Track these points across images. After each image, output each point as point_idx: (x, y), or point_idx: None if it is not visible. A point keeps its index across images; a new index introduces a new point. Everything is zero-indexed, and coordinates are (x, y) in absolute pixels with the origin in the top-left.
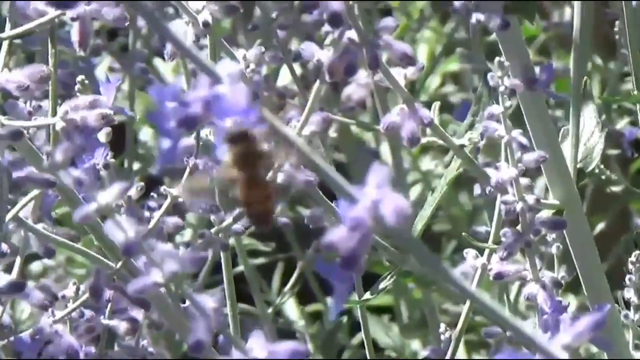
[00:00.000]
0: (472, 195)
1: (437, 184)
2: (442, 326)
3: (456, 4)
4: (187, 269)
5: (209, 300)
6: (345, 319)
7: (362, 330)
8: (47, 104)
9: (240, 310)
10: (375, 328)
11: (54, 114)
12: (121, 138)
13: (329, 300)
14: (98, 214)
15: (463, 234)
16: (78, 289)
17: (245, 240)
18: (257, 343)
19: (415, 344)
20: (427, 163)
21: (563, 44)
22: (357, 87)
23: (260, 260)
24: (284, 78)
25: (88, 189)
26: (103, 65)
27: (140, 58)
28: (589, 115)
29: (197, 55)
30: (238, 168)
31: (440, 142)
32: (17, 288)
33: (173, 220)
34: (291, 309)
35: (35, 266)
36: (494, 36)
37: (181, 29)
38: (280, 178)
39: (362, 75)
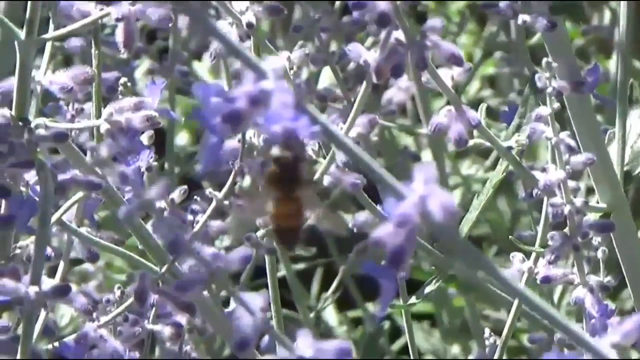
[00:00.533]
0: (510, 200)
1: (478, 189)
2: (487, 331)
3: (502, 4)
4: (233, 267)
5: (255, 299)
6: (386, 324)
7: (407, 334)
8: (89, 107)
9: (283, 315)
10: (416, 333)
11: (98, 115)
12: (161, 141)
13: (369, 306)
14: (142, 211)
15: (510, 237)
16: (122, 293)
17: None
18: (303, 342)
19: (455, 349)
20: (467, 168)
21: (602, 48)
22: (398, 90)
23: (300, 266)
24: (324, 81)
25: (133, 185)
26: (142, 67)
27: (181, 60)
28: (635, 118)
29: (243, 51)
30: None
31: (487, 144)
32: (62, 292)
33: (216, 223)
34: (330, 314)
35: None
36: (532, 40)
37: (224, 30)
38: (326, 181)
39: (403, 79)
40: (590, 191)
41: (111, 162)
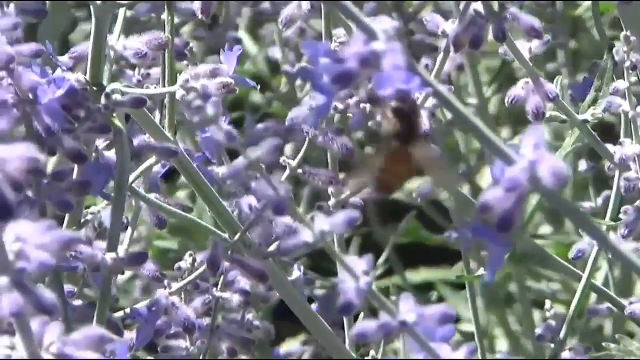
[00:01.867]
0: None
1: None
2: (548, 303)
3: None
4: (338, 231)
5: (359, 263)
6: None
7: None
8: (154, 73)
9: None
10: (458, 303)
11: (172, 82)
12: None
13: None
14: (250, 170)
15: (580, 209)
16: (194, 260)
17: None
18: (405, 306)
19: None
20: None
21: None
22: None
23: None
24: None
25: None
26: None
27: (233, 27)
28: None
29: (354, 11)
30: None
31: (563, 117)
32: (139, 259)
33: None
34: None
35: None
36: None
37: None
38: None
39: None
40: None
41: (218, 120)
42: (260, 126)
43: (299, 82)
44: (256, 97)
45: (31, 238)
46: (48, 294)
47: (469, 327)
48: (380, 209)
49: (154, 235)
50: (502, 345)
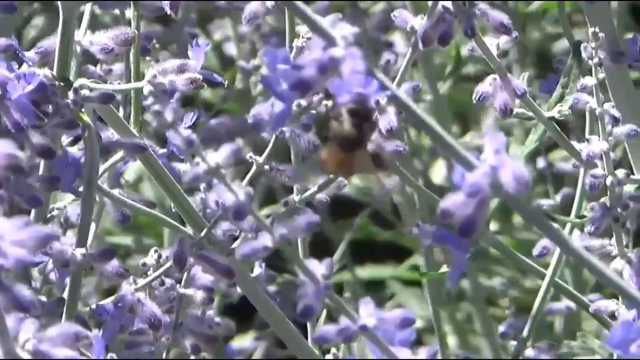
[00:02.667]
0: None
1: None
2: (506, 301)
3: None
4: (298, 234)
5: (319, 266)
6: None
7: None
8: (117, 68)
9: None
10: (410, 300)
11: (138, 78)
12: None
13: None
14: (209, 175)
15: (543, 206)
16: (159, 256)
17: None
18: (365, 310)
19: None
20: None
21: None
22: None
23: None
24: None
25: (196, 150)
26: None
27: (191, 24)
28: None
29: (312, 16)
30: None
31: (530, 113)
32: (108, 255)
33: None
34: None
35: None
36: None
37: None
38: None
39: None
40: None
41: (176, 125)
42: (213, 122)
43: (253, 78)
44: (206, 93)
45: (7, 234)
46: (25, 291)
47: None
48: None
49: (104, 231)
50: (450, 341)
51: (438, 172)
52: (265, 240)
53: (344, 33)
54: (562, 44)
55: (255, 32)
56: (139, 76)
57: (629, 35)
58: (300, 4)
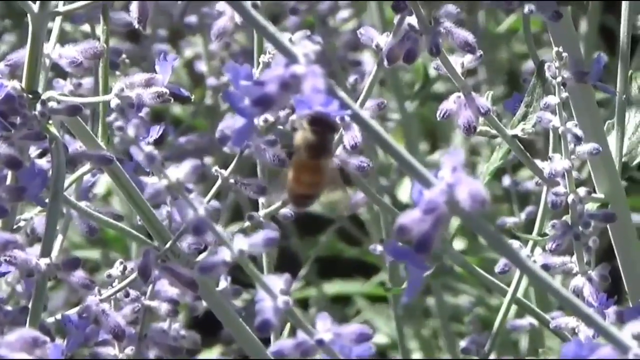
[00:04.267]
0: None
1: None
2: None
3: None
4: (257, 250)
5: (277, 282)
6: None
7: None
8: (86, 82)
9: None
10: (373, 315)
11: (106, 91)
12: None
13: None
14: (170, 191)
15: (507, 225)
16: (125, 268)
17: None
18: (322, 325)
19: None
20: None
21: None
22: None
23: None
24: None
25: (156, 166)
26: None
27: (160, 39)
28: (635, 110)
29: (276, 34)
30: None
31: (493, 131)
32: (72, 265)
33: (215, 204)
34: None
35: None
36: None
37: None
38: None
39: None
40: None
41: (138, 141)
42: (182, 139)
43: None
44: (176, 109)
45: None
46: None
47: (383, 339)
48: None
49: (72, 245)
50: (416, 357)
51: (405, 191)
52: (225, 255)
53: (306, 51)
54: (530, 64)
55: (226, 49)
56: (107, 90)
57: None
58: (262, 20)
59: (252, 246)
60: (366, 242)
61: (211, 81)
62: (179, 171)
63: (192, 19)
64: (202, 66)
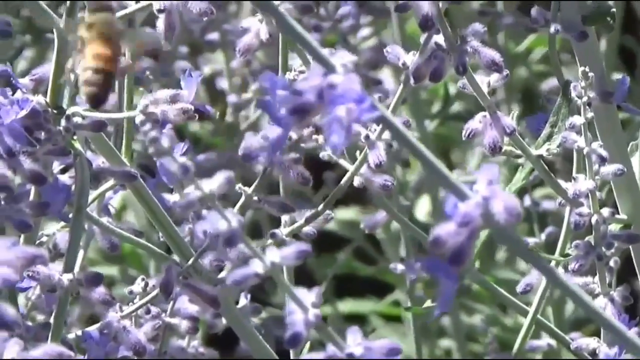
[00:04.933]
0: None
1: None
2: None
3: (534, 12)
4: (289, 263)
5: (308, 295)
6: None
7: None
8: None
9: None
10: (389, 334)
11: (130, 107)
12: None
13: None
14: (203, 203)
15: (529, 245)
16: (146, 285)
17: None
18: (352, 340)
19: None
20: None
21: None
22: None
23: None
24: None
25: (190, 177)
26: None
27: (181, 56)
28: None
29: (313, 43)
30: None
31: (518, 151)
32: (95, 281)
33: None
34: None
35: None
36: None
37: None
38: (356, 182)
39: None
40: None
41: (172, 152)
42: (201, 157)
43: (243, 112)
44: (194, 126)
45: None
46: (10, 310)
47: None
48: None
49: (88, 260)
50: None
51: (422, 210)
52: (256, 267)
53: (344, 61)
54: (550, 83)
55: (246, 66)
56: (132, 105)
57: (617, 76)
58: (301, 30)
59: (284, 259)
60: (381, 260)
61: (232, 98)
62: (212, 183)
63: (213, 35)
64: (222, 83)
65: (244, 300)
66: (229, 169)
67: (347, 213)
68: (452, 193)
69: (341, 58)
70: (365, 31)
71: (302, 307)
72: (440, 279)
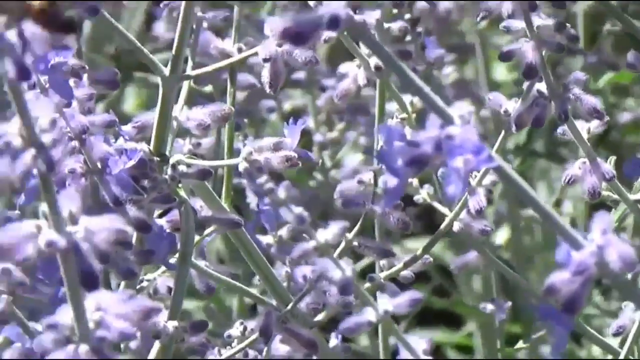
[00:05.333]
0: None
1: None
2: None
3: (630, 57)
4: (401, 311)
5: (419, 342)
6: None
7: None
8: (205, 142)
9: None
10: None
11: (231, 153)
12: None
13: None
14: (318, 252)
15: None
16: (245, 329)
17: None
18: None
19: None
20: None
21: None
22: None
23: None
24: None
25: (307, 227)
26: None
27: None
28: None
29: (430, 95)
30: None
31: (616, 196)
32: (200, 328)
33: None
34: None
35: None
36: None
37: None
38: (456, 227)
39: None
40: None
41: (287, 202)
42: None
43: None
44: None
45: (111, 307)
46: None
47: None
48: None
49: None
50: None
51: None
52: (370, 315)
53: (462, 112)
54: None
55: (331, 104)
56: (232, 152)
57: None
58: (419, 82)
59: (397, 307)
60: (455, 294)
61: (318, 137)
62: (327, 233)
63: (299, 74)
64: (309, 122)
65: (335, 341)
66: (310, 208)
67: (416, 244)
68: (566, 241)
69: (459, 109)
70: (449, 69)
71: (414, 354)
72: (553, 325)
